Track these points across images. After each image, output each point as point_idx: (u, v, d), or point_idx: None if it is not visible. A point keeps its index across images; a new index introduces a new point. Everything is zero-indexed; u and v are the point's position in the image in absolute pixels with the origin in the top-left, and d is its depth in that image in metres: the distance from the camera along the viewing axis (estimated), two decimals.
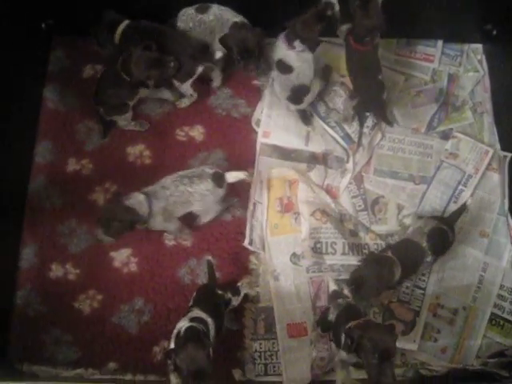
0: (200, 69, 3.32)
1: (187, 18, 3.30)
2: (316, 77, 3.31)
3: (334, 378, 2.86)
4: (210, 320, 2.59)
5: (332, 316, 2.77)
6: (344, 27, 3.17)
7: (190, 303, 2.79)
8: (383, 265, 2.78)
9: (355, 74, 3.28)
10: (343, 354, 2.61)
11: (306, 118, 3.46)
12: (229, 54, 3.23)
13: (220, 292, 2.85)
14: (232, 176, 3.05)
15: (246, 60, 3.14)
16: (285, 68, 3.18)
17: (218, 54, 3.34)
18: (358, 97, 3.35)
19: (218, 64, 3.43)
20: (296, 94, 3.28)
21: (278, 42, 3.15)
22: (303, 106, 3.38)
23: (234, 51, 3.13)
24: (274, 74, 3.32)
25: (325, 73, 3.42)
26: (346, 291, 2.70)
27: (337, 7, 3.06)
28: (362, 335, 2.39)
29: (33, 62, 3.50)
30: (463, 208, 3.22)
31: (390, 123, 3.40)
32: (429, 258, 2.94)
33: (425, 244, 2.91)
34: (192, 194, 2.95)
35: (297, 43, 3.05)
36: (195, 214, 3.17)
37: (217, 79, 3.52)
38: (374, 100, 3.32)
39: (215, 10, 3.27)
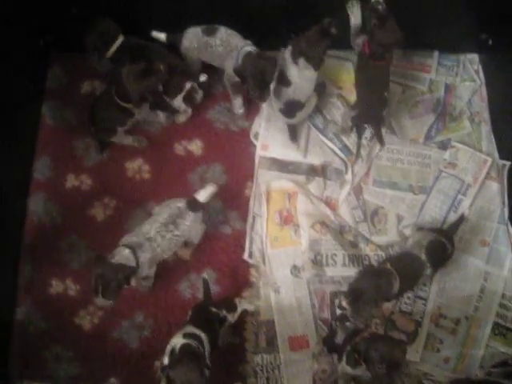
0: (188, 85, 3.33)
1: (193, 37, 3.27)
2: (313, 93, 3.30)
3: None
4: (203, 335, 2.59)
5: (339, 339, 2.77)
6: (359, 40, 3.14)
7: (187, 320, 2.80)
8: (381, 277, 2.76)
9: (362, 87, 3.27)
10: (347, 368, 2.60)
11: (293, 133, 3.44)
12: (242, 82, 3.21)
13: (214, 310, 2.84)
14: (202, 195, 3.00)
15: (262, 90, 3.10)
16: (284, 80, 3.17)
17: (202, 78, 3.35)
18: (358, 108, 3.35)
19: (202, 86, 3.45)
20: (289, 108, 3.27)
21: (285, 54, 3.14)
22: (295, 121, 3.38)
23: (249, 82, 3.08)
24: (273, 83, 3.30)
25: (320, 89, 3.42)
26: (344, 303, 2.68)
27: (355, 20, 3.08)
28: (369, 347, 2.38)
29: (31, 79, 3.51)
30: (461, 219, 3.22)
31: (382, 143, 3.42)
32: (428, 271, 2.93)
33: (423, 257, 2.90)
34: (181, 235, 2.92)
35: (301, 61, 3.03)
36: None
37: (198, 96, 3.51)
38: (373, 115, 3.32)
39: (222, 33, 3.21)
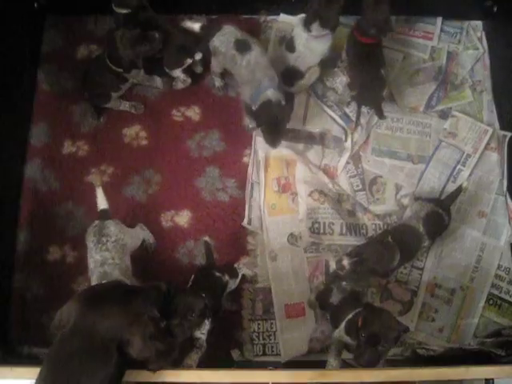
0: (189, 60, 3.28)
1: (226, 41, 3.08)
2: (316, 66, 3.24)
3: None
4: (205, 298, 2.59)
5: (335, 299, 2.78)
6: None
7: (189, 284, 2.81)
8: (386, 250, 2.75)
9: (355, 69, 3.23)
10: (346, 338, 2.61)
11: (289, 101, 3.36)
12: (256, 124, 3.08)
13: (218, 274, 2.84)
14: (100, 202, 2.87)
15: (274, 137, 3.02)
16: (289, 46, 3.15)
17: (197, 56, 3.28)
18: (355, 90, 3.31)
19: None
20: (289, 75, 3.22)
21: (298, 23, 3.10)
22: (293, 90, 3.33)
23: (262, 128, 3.00)
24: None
25: (328, 64, 3.37)
26: (345, 262, 2.66)
27: None
28: (367, 317, 2.41)
29: (26, 43, 3.44)
30: (459, 190, 3.18)
31: (382, 117, 3.35)
32: (426, 243, 2.93)
33: (421, 229, 2.90)
34: (118, 238, 2.78)
35: (314, 26, 2.99)
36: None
37: (198, 69, 3.47)
38: (372, 96, 3.27)
39: (252, 57, 3.01)
